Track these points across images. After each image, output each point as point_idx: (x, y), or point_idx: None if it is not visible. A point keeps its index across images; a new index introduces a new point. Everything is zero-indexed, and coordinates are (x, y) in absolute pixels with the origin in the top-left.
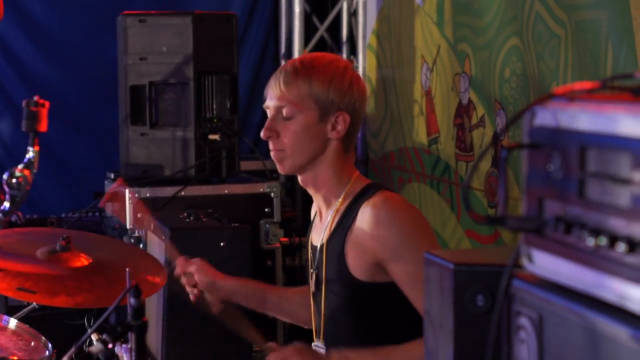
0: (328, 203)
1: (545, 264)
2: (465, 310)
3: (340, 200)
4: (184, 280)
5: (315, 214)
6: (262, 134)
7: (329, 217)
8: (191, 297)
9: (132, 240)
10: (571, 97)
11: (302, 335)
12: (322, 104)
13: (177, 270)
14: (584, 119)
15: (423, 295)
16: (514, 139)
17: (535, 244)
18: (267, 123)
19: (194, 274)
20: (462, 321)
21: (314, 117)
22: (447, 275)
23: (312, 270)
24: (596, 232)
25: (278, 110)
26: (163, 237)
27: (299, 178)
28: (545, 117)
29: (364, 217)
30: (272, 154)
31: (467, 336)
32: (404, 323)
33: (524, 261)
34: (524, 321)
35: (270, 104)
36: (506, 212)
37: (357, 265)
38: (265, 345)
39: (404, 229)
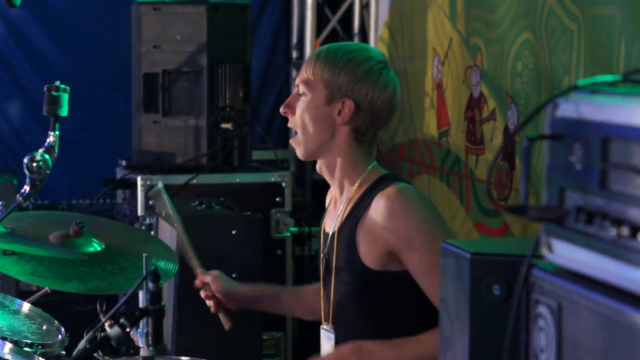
0: (342, 191)
1: (566, 253)
2: (481, 299)
3: (354, 188)
4: (202, 293)
5: (330, 201)
6: (280, 109)
7: (342, 205)
8: (211, 309)
9: (144, 228)
10: (593, 89)
11: (313, 323)
12: (330, 88)
13: (197, 282)
14: (607, 110)
15: (437, 285)
16: (525, 133)
17: (556, 233)
18: (287, 99)
19: (211, 281)
20: (478, 310)
21: (321, 98)
22: (464, 264)
23: (322, 256)
24: (618, 222)
25: (298, 88)
26: (175, 225)
27: (316, 164)
28: (567, 108)
29: (378, 208)
30: (290, 141)
31: (483, 325)
32: (413, 312)
33: (544, 250)
34: (543, 310)
35: (296, 81)
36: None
37: (368, 254)
38: None
39: (418, 219)
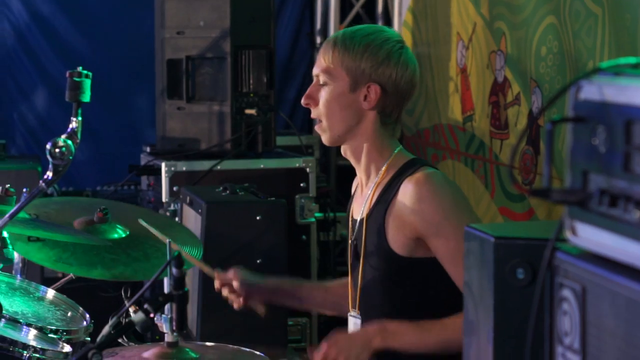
0: (368, 176)
1: (589, 236)
2: (505, 283)
3: (381, 173)
4: (224, 291)
5: (356, 187)
6: (302, 101)
7: (370, 191)
8: (235, 305)
9: (168, 214)
10: (616, 71)
11: None
12: (353, 74)
13: (216, 285)
14: (630, 93)
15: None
16: (549, 117)
17: (579, 216)
18: (307, 90)
19: (232, 281)
20: (502, 294)
21: (345, 86)
22: (488, 248)
23: (351, 242)
24: None
25: (318, 78)
26: (199, 211)
27: (342, 149)
28: (590, 91)
29: (406, 193)
30: (315, 127)
31: (507, 309)
32: (439, 298)
33: (568, 234)
34: (567, 293)
35: (314, 72)
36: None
37: (396, 240)
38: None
39: (446, 205)
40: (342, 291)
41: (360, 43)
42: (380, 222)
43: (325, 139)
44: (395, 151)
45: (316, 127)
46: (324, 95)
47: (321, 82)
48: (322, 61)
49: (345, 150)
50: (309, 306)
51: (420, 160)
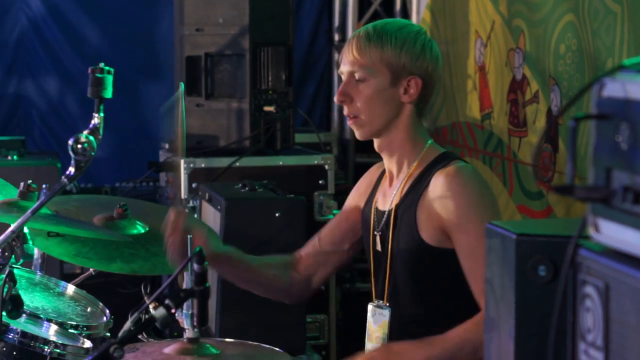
0: (400, 168)
1: (613, 233)
2: (526, 280)
3: (414, 165)
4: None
5: (378, 179)
6: (335, 99)
7: (400, 182)
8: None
9: (187, 211)
10: None
11: (356, 305)
12: (394, 69)
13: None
14: None
15: (478, 269)
16: (568, 115)
17: (603, 213)
18: (340, 87)
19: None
20: (523, 291)
21: (386, 81)
22: (510, 245)
23: (375, 233)
24: None
25: (351, 75)
26: (218, 208)
27: (375, 143)
28: (614, 88)
29: (437, 185)
30: (349, 122)
31: (528, 306)
32: (468, 291)
33: (591, 231)
34: (589, 290)
35: (343, 69)
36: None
37: (427, 231)
38: None
39: (471, 200)
40: (268, 272)
41: (397, 37)
42: (412, 213)
43: (361, 134)
44: (427, 144)
45: (350, 123)
46: (363, 91)
47: (358, 78)
48: (357, 57)
49: (380, 144)
50: (240, 281)
51: (452, 153)
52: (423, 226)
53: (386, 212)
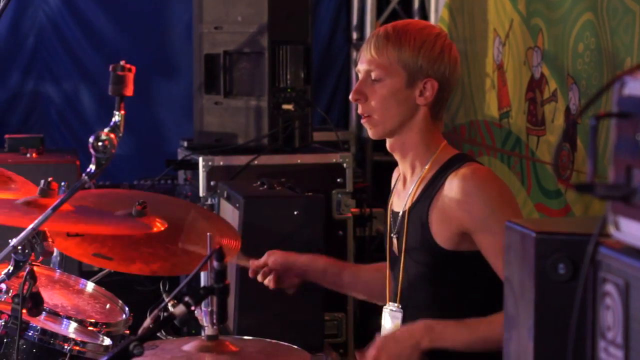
0: (413, 170)
1: (633, 231)
2: (546, 278)
3: (426, 168)
4: (259, 277)
5: (396, 180)
6: (350, 97)
7: (414, 185)
8: (270, 285)
9: (206, 208)
10: None
11: (374, 303)
12: (411, 70)
13: (250, 272)
14: None
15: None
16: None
17: (623, 212)
18: (356, 86)
19: (267, 261)
20: (543, 289)
21: (402, 82)
22: (529, 243)
23: (392, 236)
24: None
25: (367, 74)
26: (237, 205)
27: (387, 143)
28: (634, 87)
29: (452, 188)
30: (362, 120)
31: (548, 304)
32: (484, 293)
33: (611, 229)
34: (609, 288)
35: (360, 67)
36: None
37: (441, 234)
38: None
39: (492, 200)
40: (374, 276)
41: (416, 38)
42: (424, 215)
43: (374, 133)
44: (441, 146)
45: (363, 121)
46: (378, 90)
47: (374, 78)
48: (374, 57)
49: (393, 145)
50: (339, 288)
51: (465, 155)
52: (437, 230)
53: (400, 214)
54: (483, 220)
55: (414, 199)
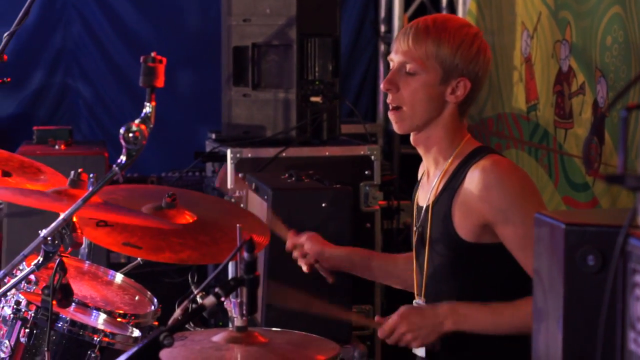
0: (436, 164)
1: None
2: (575, 270)
3: (449, 161)
4: (295, 253)
5: (422, 174)
6: (382, 86)
7: (437, 178)
8: (304, 268)
9: (234, 201)
10: None
11: (401, 295)
12: (447, 67)
13: (288, 244)
14: None
15: (532, 257)
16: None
17: None
18: (388, 75)
19: (304, 243)
20: (572, 281)
21: (436, 78)
22: (558, 235)
23: (415, 229)
24: None
25: (402, 65)
26: (265, 197)
27: (412, 137)
28: None
29: (473, 180)
30: (390, 114)
31: (577, 296)
32: (507, 285)
33: None
34: (639, 279)
35: (395, 57)
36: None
37: (463, 226)
38: (371, 322)
39: (513, 192)
40: (408, 265)
41: (455, 36)
42: (447, 209)
43: (400, 127)
44: (464, 139)
45: (391, 114)
46: (411, 84)
47: (408, 71)
48: (411, 50)
49: (417, 139)
50: (377, 277)
51: (487, 148)
52: (459, 223)
53: (424, 209)
54: (503, 211)
55: (437, 193)
